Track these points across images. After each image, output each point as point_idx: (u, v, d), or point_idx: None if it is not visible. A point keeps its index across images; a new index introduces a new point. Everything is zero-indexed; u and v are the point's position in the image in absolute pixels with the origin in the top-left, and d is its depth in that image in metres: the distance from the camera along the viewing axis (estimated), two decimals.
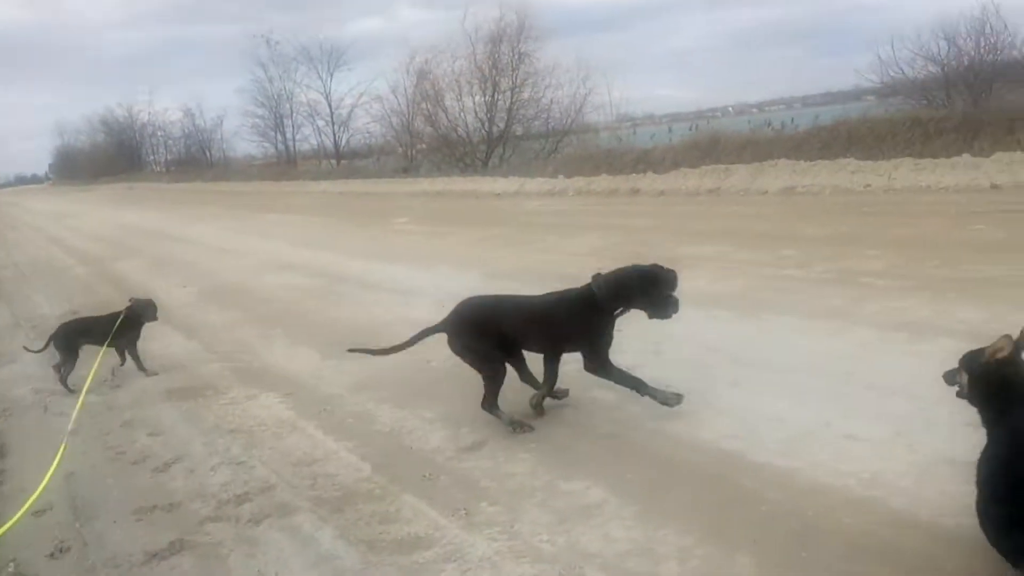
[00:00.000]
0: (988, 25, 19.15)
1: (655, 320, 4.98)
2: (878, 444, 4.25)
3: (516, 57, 32.95)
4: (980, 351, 3.30)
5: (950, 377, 3.50)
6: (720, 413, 4.97)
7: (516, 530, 3.87)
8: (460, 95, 34.03)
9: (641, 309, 4.98)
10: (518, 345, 5.42)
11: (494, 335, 5.30)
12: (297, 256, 14.84)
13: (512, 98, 33.02)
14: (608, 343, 5.13)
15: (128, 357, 7.55)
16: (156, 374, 7.52)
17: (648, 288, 4.89)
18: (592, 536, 3.71)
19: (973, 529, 3.27)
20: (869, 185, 14.51)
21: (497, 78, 33.28)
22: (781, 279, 8.41)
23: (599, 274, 5.08)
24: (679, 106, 53.92)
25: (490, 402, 5.27)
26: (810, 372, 5.51)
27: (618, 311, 5.04)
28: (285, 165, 49.21)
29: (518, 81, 33.11)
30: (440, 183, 28.59)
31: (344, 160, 47.03)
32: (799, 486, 3.94)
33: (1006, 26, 19.20)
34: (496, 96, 33.21)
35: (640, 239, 12.55)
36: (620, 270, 5.02)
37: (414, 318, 8.83)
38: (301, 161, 50.50)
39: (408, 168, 35.75)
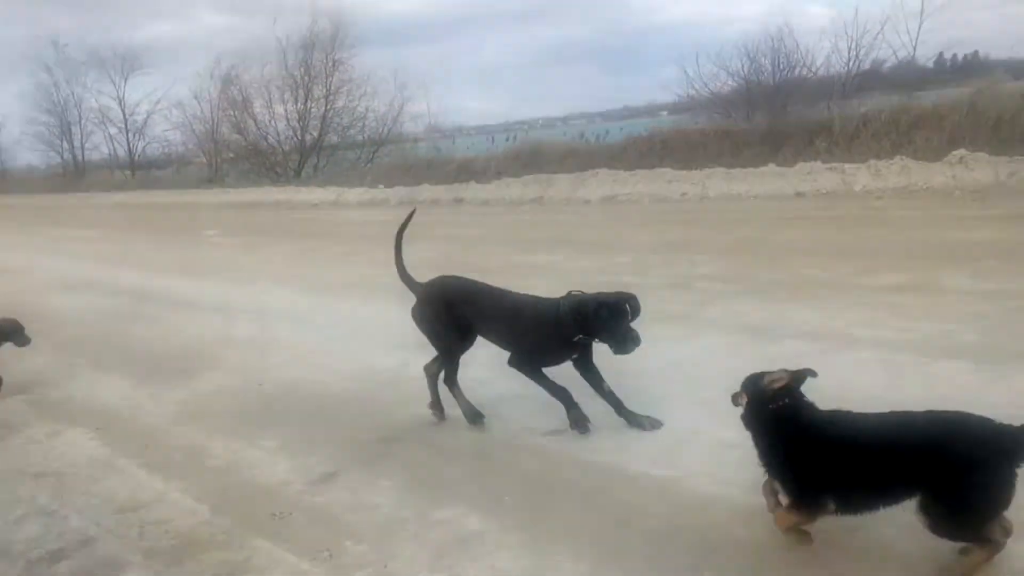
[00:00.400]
0: (783, 44, 20.64)
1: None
2: (751, 450, 4.19)
3: (330, 64, 32.22)
4: (760, 376, 3.36)
5: (736, 399, 3.48)
6: (589, 423, 4.79)
7: (391, 570, 3.47)
8: (270, 102, 32.84)
9: (603, 341, 4.64)
10: (475, 333, 5.15)
11: (455, 317, 5.09)
12: (96, 273, 13.48)
13: (326, 106, 32.22)
14: (549, 358, 4.83)
15: None
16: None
17: (607, 320, 4.51)
18: (478, 570, 3.38)
19: (868, 535, 3.26)
20: (685, 194, 15.13)
21: (310, 85, 32.39)
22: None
23: (572, 293, 4.71)
24: (487, 118, 54.76)
25: (450, 379, 5.15)
26: (668, 378, 5.47)
27: (576, 338, 4.66)
28: (73, 176, 45.25)
29: (332, 89, 32.36)
30: (250, 194, 27.30)
31: (140, 170, 43.97)
32: (683, 498, 3.81)
33: (798, 45, 20.80)
34: (309, 104, 32.28)
35: (471, 249, 12.37)
36: (585, 296, 4.65)
37: (237, 336, 8.21)
38: (91, 171, 46.62)
39: (213, 178, 33.96)
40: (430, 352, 6.64)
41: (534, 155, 20.54)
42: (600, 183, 17.05)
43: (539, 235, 13.19)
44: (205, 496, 4.44)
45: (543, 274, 9.48)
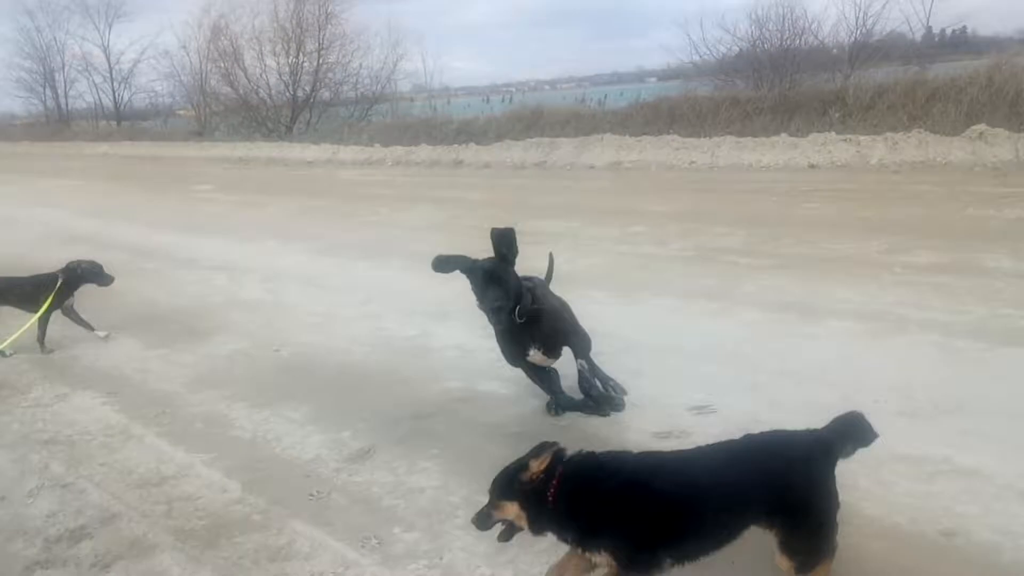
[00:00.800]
0: (791, 11, 20.32)
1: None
2: None
3: (322, 17, 31.30)
4: (511, 474, 2.85)
5: (482, 521, 2.88)
6: (636, 406, 4.55)
7: (448, 562, 3.23)
8: (261, 55, 31.94)
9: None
10: None
11: None
12: (88, 227, 13.07)
13: (318, 60, 31.36)
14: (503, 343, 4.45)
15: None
16: (52, 351, 6.48)
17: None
18: (543, 565, 3.14)
19: (964, 539, 3.06)
20: (694, 162, 14.82)
21: (302, 38, 31.48)
22: (643, 257, 8.19)
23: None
24: (474, 80, 54.01)
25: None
26: (714, 358, 5.22)
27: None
28: (57, 124, 44.17)
29: (324, 43, 31.48)
30: (242, 148, 26.73)
31: (126, 121, 42.99)
32: None
33: (806, 12, 20.50)
34: (301, 58, 31.42)
35: (479, 213, 12.03)
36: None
37: (245, 298, 7.92)
38: (75, 120, 45.55)
39: (203, 132, 33.23)
40: (448, 322, 6.43)
41: (535, 118, 20.09)
42: (605, 148, 16.70)
43: (548, 200, 12.86)
44: (234, 471, 4.18)
45: (559, 241, 9.18)
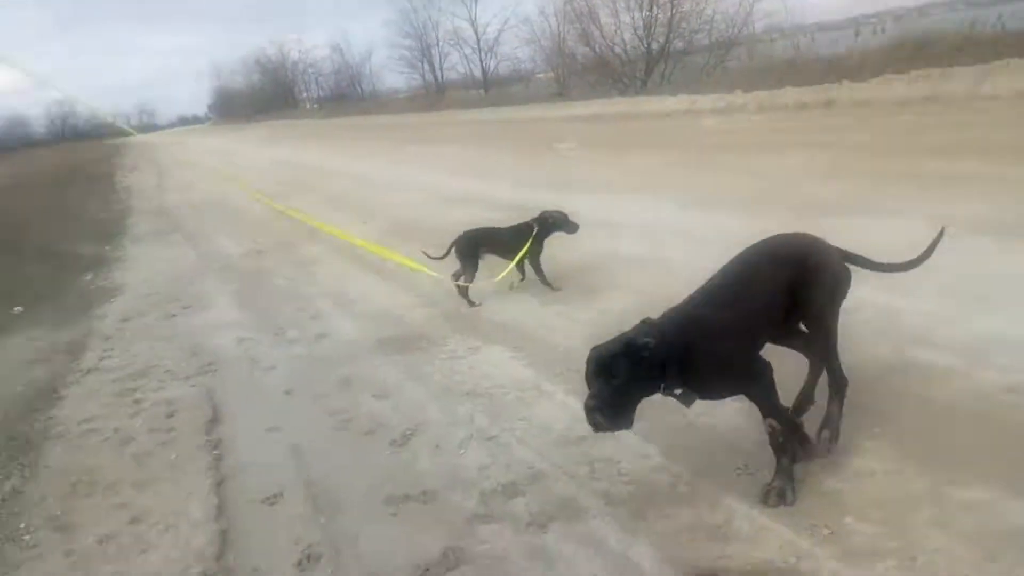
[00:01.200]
0: None
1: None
2: None
3: None
4: None
5: None
6: None
7: (923, 566, 2.75)
8: (616, 11, 32.22)
9: None
10: None
11: None
12: (469, 188, 13.96)
13: (672, 11, 30.91)
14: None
15: (530, 271, 7.15)
16: (559, 289, 7.00)
17: None
18: None
19: None
20: None
21: None
22: None
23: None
24: (829, 13, 49.19)
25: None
26: None
27: None
28: (434, 96, 48.84)
29: None
30: (596, 106, 27.25)
31: (493, 88, 46.19)
32: None
33: None
34: (655, 10, 31.18)
35: (862, 156, 10.94)
36: None
37: (626, 254, 7.83)
38: (449, 91, 50.03)
39: (562, 92, 34.43)
40: (859, 277, 5.74)
41: (920, 47, 17.88)
42: (1012, 76, 14.33)
43: (946, 139, 11.28)
44: (650, 435, 4.01)
45: (973, 185, 7.97)
